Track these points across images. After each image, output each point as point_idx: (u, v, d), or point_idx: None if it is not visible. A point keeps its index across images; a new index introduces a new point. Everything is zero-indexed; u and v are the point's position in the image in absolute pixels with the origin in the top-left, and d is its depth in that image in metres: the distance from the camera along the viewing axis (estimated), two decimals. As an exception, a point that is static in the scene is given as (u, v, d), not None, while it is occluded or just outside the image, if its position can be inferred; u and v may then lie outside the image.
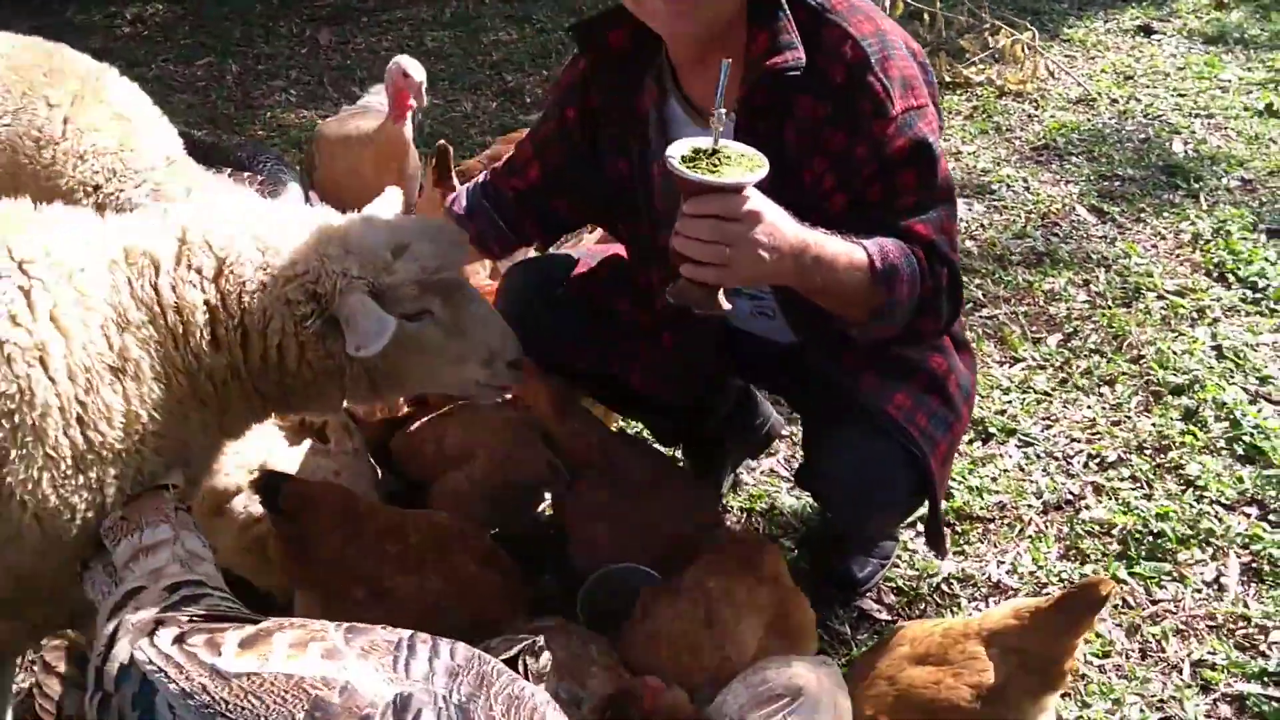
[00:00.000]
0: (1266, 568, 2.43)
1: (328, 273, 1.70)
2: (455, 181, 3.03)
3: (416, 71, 3.26)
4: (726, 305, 1.68)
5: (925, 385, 2.07)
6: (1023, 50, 5.09)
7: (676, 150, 1.60)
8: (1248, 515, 2.58)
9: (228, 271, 1.70)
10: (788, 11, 1.86)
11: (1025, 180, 4.26)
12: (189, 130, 4.22)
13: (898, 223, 1.83)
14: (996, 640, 1.84)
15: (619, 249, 2.43)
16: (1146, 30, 5.78)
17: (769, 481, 2.78)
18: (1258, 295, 3.42)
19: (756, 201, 1.61)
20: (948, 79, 4.89)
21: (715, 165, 1.58)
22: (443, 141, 3.21)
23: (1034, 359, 3.20)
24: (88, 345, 1.61)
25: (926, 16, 5.10)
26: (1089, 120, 4.76)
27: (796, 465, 2.82)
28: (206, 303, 1.69)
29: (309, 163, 3.54)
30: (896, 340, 1.93)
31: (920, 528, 2.57)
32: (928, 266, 1.82)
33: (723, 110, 1.60)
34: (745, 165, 1.59)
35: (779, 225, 1.63)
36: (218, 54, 6.08)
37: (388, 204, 1.98)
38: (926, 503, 2.13)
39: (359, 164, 3.29)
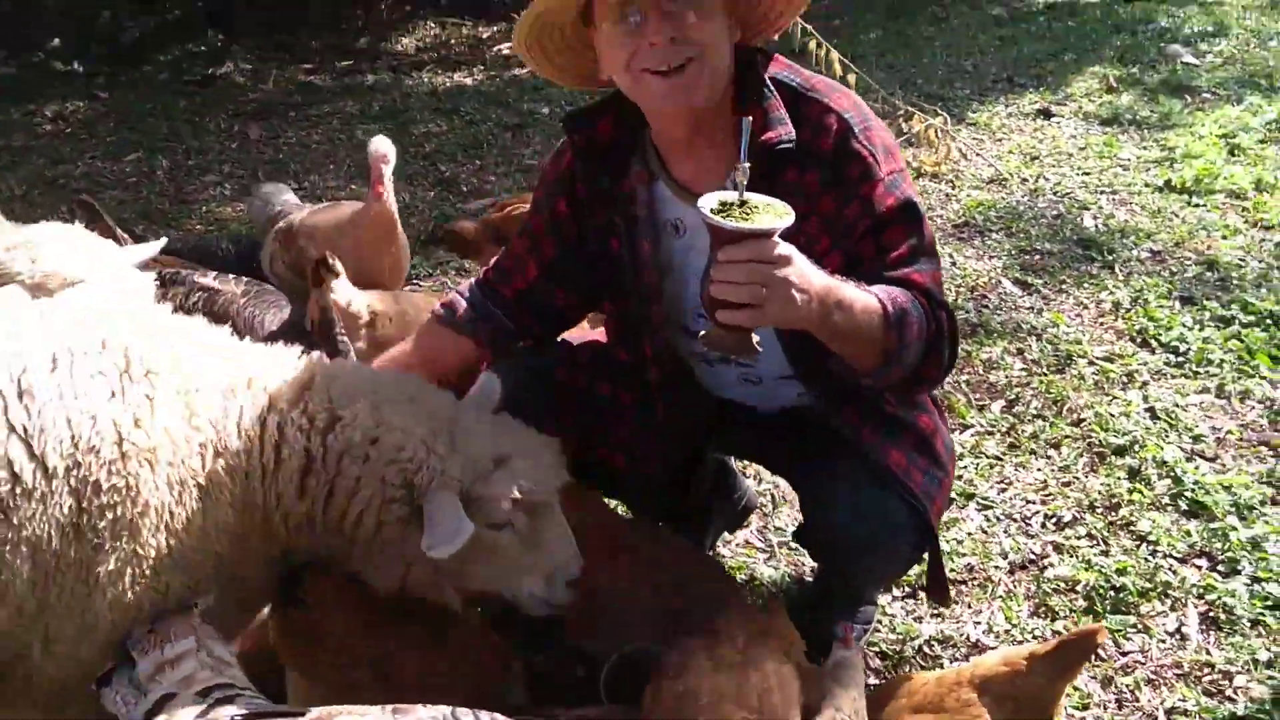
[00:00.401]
0: (1223, 616, 2.56)
1: (429, 466, 1.78)
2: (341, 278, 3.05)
3: (390, 149, 3.33)
4: (760, 348, 1.76)
5: (915, 445, 2.17)
6: (936, 134, 5.38)
7: (706, 203, 1.69)
8: (1199, 567, 2.73)
9: (339, 429, 1.78)
10: (774, 91, 2.00)
11: (951, 256, 4.47)
12: (127, 226, 4.23)
13: (894, 274, 1.94)
14: (990, 687, 1.92)
15: (594, 334, 2.51)
16: (1045, 113, 6.16)
17: (745, 553, 2.85)
18: (1180, 359, 3.63)
19: (786, 246, 1.70)
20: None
21: (746, 214, 1.67)
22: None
23: (981, 425, 3.34)
24: (186, 459, 1.69)
25: (846, 104, 5.35)
26: (1003, 198, 5.03)
27: (769, 535, 2.91)
28: (307, 451, 1.77)
29: (287, 255, 3.54)
30: (903, 386, 2.02)
31: (897, 593, 2.68)
32: (930, 311, 1.93)
33: (747, 164, 1.69)
34: (773, 213, 1.69)
35: (806, 269, 1.73)
36: (145, 149, 6.07)
37: (487, 396, 2.04)
38: (926, 556, 2.24)
39: (358, 246, 3.33)
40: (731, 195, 1.70)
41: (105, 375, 1.70)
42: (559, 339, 2.49)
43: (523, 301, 2.33)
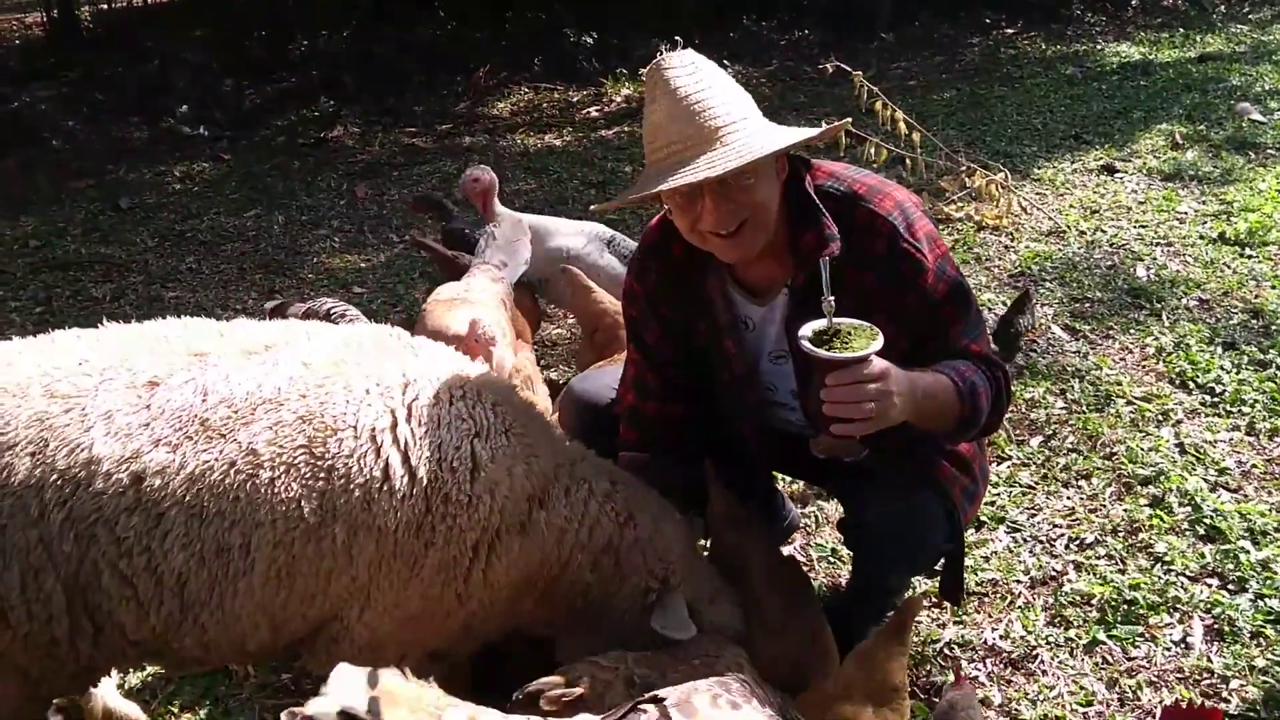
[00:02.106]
0: (1226, 628, 2.77)
1: (678, 572, 2.34)
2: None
3: (483, 171, 3.70)
4: (867, 449, 2.08)
5: (959, 465, 2.48)
6: (997, 189, 5.64)
7: (804, 334, 1.96)
8: (1209, 585, 2.93)
9: (633, 528, 2.32)
10: (824, 210, 2.25)
11: (1004, 304, 4.71)
12: (247, 275, 4.73)
13: (955, 347, 2.24)
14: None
15: None
16: (1109, 169, 6.37)
17: (788, 566, 3.14)
18: (1215, 400, 3.83)
19: (880, 362, 1.94)
20: (931, 216, 5.41)
21: (843, 342, 1.94)
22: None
23: (1018, 458, 3.59)
24: (518, 501, 2.19)
25: (909, 161, 5.66)
26: (1060, 250, 5.27)
27: (811, 551, 3.20)
28: (610, 537, 2.29)
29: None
30: (973, 438, 2.33)
31: (924, 602, 2.94)
32: (990, 374, 2.22)
33: (832, 299, 1.96)
34: (865, 335, 1.96)
35: (898, 375, 2.00)
36: (264, 206, 6.64)
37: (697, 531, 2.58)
38: (943, 562, 2.53)
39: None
40: (822, 323, 1.98)
41: (474, 419, 2.16)
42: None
43: (668, 396, 2.60)
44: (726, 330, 2.45)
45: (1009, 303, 4.69)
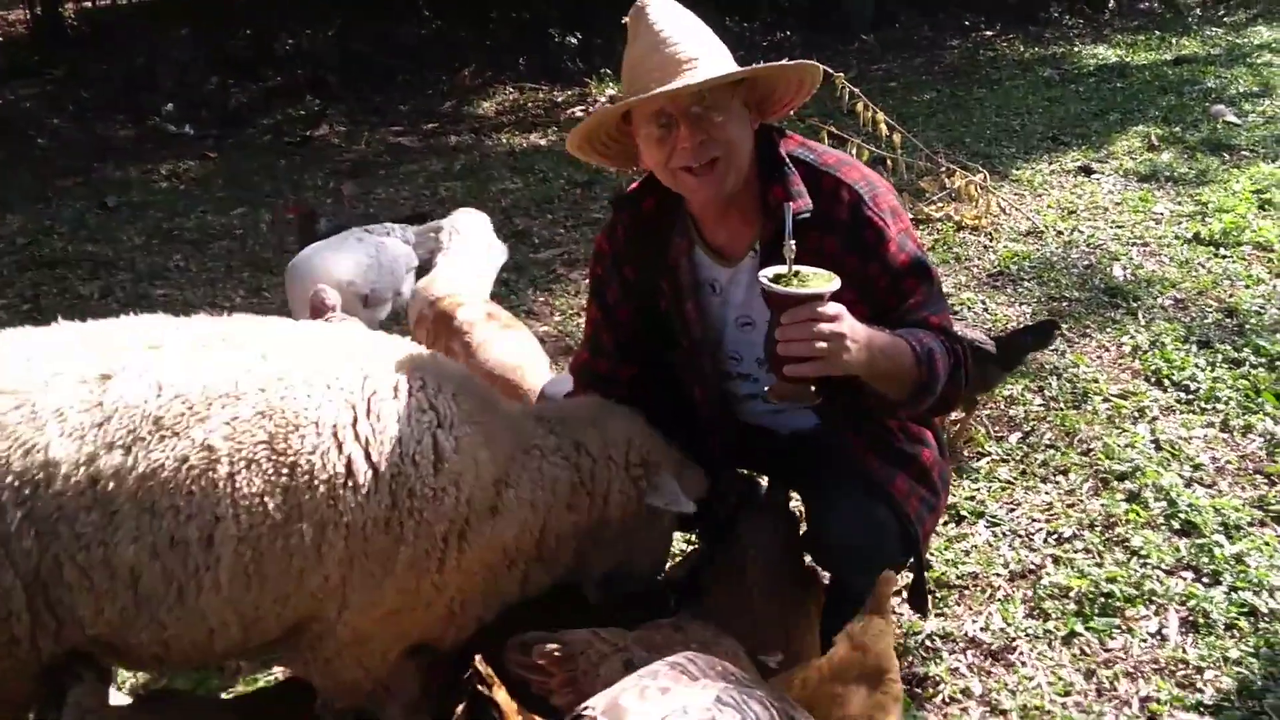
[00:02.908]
0: (1201, 620, 2.84)
1: (654, 454, 2.45)
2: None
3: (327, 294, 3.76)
4: (819, 397, 2.11)
5: (917, 475, 2.51)
6: (976, 190, 5.72)
7: (764, 276, 2.03)
8: (1184, 578, 3.01)
9: (584, 451, 2.40)
10: (793, 168, 2.35)
11: (984, 302, 4.80)
12: (235, 274, 4.77)
13: (914, 318, 2.29)
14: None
15: None
16: (1086, 170, 6.46)
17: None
18: (1190, 397, 3.91)
19: (835, 306, 2.01)
20: (910, 216, 5.49)
21: (802, 283, 2.01)
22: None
23: (997, 454, 3.66)
24: (485, 486, 2.24)
25: (889, 162, 5.74)
26: (1038, 250, 5.35)
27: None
28: (571, 481, 2.35)
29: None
30: (930, 410, 2.36)
31: (905, 595, 3.01)
32: (949, 346, 2.28)
33: (793, 242, 2.04)
34: (822, 279, 2.03)
35: (854, 323, 2.06)
36: (250, 205, 6.66)
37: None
38: (911, 574, 2.57)
39: None
40: (783, 268, 2.05)
41: (436, 410, 2.17)
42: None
43: (625, 355, 2.67)
44: (689, 292, 2.49)
45: (987, 301, 4.79)
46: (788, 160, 2.36)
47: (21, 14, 13.24)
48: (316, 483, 2.02)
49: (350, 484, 2.04)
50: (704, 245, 2.49)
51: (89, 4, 13.60)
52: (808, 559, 2.72)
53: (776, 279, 2.02)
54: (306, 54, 10.17)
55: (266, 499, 1.99)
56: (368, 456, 2.06)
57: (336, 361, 2.17)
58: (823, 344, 1.99)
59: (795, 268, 2.04)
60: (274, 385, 2.06)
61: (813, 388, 2.10)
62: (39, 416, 1.93)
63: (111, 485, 1.93)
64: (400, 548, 2.09)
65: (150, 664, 2.19)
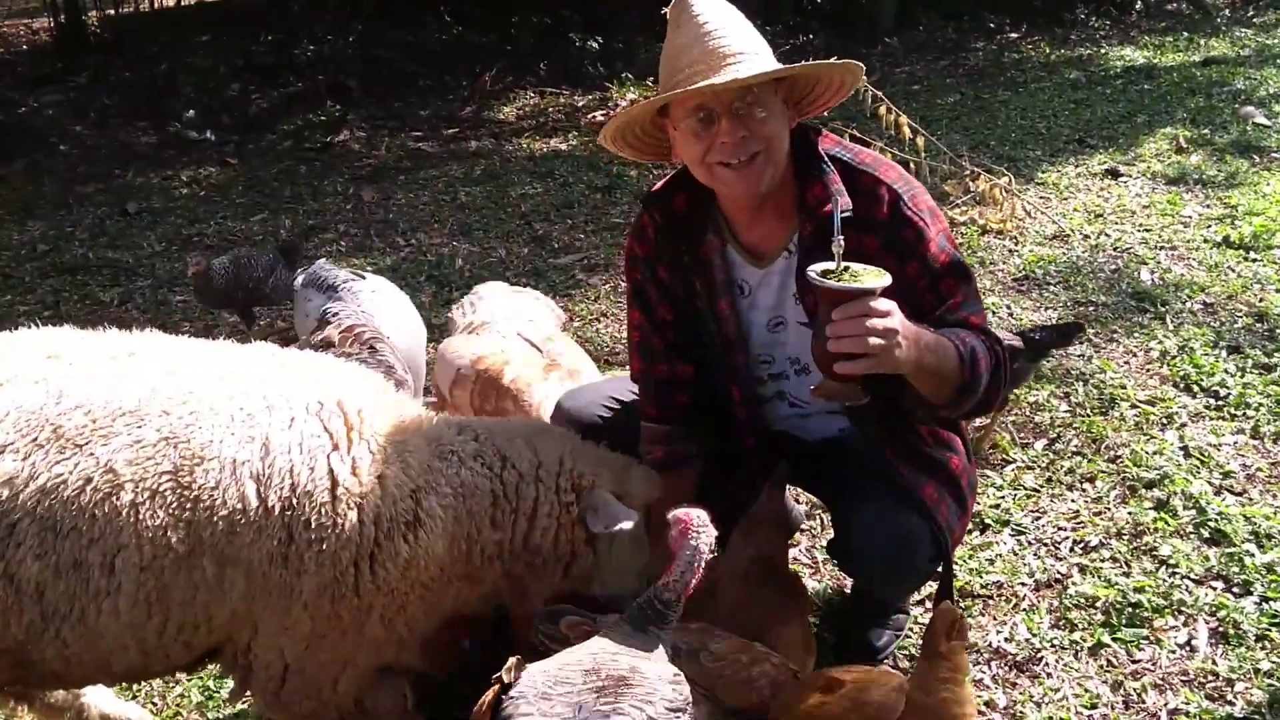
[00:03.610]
0: (1231, 631, 2.77)
1: (586, 474, 2.31)
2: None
3: None
4: (867, 396, 2.04)
5: (946, 481, 2.46)
6: (1001, 193, 5.65)
7: (815, 271, 1.97)
8: (1214, 588, 2.94)
9: (509, 466, 2.28)
10: (830, 167, 2.31)
11: (1009, 307, 4.74)
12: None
13: (953, 318, 2.24)
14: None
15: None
16: (1113, 173, 6.38)
17: (794, 568, 3.15)
18: (1219, 403, 3.83)
19: (886, 301, 1.95)
20: (935, 220, 5.43)
21: (853, 278, 1.95)
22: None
23: (1023, 461, 3.60)
24: (397, 502, 2.13)
25: (913, 165, 5.67)
26: (1064, 254, 5.28)
27: (816, 554, 3.21)
28: (492, 490, 2.23)
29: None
30: (971, 411, 2.29)
31: (928, 605, 2.95)
32: (990, 346, 2.22)
33: (841, 239, 1.99)
34: (872, 275, 1.97)
35: (904, 320, 2.01)
36: (270, 210, 6.67)
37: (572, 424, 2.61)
38: (937, 582, 2.52)
39: None
40: (831, 264, 2.00)
41: (331, 433, 2.10)
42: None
43: (673, 386, 2.62)
44: (722, 290, 2.47)
45: (1012, 306, 4.73)
46: (825, 159, 2.33)
47: (46, 22, 13.35)
48: (216, 519, 1.99)
49: (244, 520, 2.01)
50: (736, 244, 2.47)
51: (112, 11, 13.69)
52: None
53: (825, 274, 1.97)
54: (327, 60, 10.18)
55: (169, 532, 1.97)
56: (260, 493, 2.02)
57: (243, 390, 2.13)
58: (876, 340, 1.93)
59: (844, 263, 1.99)
60: (179, 409, 2.04)
61: (860, 386, 2.04)
62: None
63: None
64: (302, 578, 2.03)
65: (51, 681, 2.16)
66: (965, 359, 2.15)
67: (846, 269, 1.98)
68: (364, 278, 3.82)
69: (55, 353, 2.09)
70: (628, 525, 2.22)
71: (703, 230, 2.46)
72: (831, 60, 2.29)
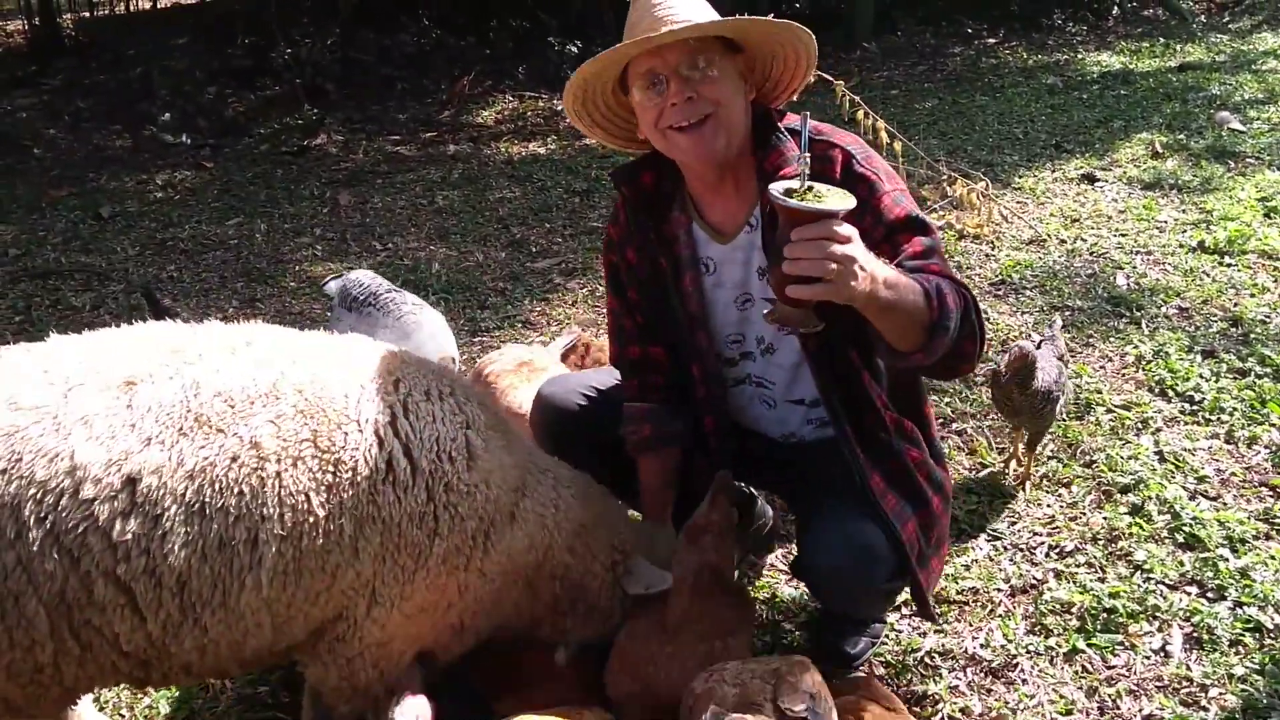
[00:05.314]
0: (1205, 636, 2.77)
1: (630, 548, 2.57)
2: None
3: None
4: (821, 323, 1.97)
5: (910, 494, 2.43)
6: (978, 198, 5.67)
7: (776, 189, 1.91)
8: (1189, 593, 2.94)
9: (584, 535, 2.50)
10: (788, 135, 2.34)
11: (986, 312, 4.73)
12: (229, 284, 4.70)
13: (913, 265, 2.16)
14: None
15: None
16: (1090, 178, 6.40)
17: (769, 574, 3.14)
18: (1194, 408, 3.84)
19: (848, 227, 1.87)
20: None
21: (817, 199, 1.88)
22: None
23: (999, 465, 3.60)
24: (508, 490, 2.32)
25: (890, 170, 5.68)
26: (1040, 258, 5.29)
27: (791, 559, 3.19)
28: (580, 521, 2.47)
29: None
30: (947, 363, 2.17)
31: (905, 611, 2.95)
32: (957, 288, 2.13)
33: (807, 155, 1.93)
34: (837, 197, 1.91)
35: (866, 251, 1.94)
36: (246, 215, 6.62)
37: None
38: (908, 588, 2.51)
39: None
40: (795, 183, 1.92)
41: (465, 413, 2.24)
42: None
43: (648, 363, 2.66)
44: (687, 265, 2.50)
45: (989, 311, 4.73)
46: (784, 131, 2.36)
47: (19, 24, 13.24)
48: (359, 479, 2.05)
49: (390, 479, 2.09)
50: (701, 221, 2.49)
51: (87, 14, 13.59)
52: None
53: (789, 194, 1.89)
54: (304, 63, 10.12)
55: (311, 495, 2.01)
56: (407, 453, 2.12)
57: (370, 363, 2.22)
58: (833, 265, 1.85)
59: (810, 184, 1.92)
60: (311, 386, 2.10)
61: (814, 313, 1.96)
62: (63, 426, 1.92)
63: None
64: (434, 542, 2.14)
65: (178, 676, 2.14)
66: (931, 294, 2.05)
67: (810, 189, 1.90)
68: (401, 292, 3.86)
69: (178, 347, 2.10)
70: (665, 584, 2.45)
71: (669, 207, 2.50)
72: (770, 17, 2.29)
